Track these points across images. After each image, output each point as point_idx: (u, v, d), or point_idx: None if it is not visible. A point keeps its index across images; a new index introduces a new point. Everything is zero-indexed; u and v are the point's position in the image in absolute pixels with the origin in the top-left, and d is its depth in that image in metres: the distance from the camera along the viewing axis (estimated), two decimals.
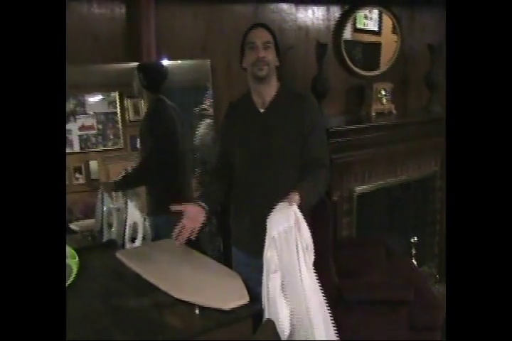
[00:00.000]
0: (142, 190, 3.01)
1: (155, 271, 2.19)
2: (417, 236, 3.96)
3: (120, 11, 2.70)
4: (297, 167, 2.30)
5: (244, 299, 1.95)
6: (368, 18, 3.76)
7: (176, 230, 2.15)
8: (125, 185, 2.89)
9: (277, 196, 2.06)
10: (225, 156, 2.45)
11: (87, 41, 2.64)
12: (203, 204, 2.23)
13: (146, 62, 2.78)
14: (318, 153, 2.32)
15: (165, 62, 2.86)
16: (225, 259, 3.07)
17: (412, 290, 2.82)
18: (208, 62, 2.98)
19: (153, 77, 2.87)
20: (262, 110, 2.33)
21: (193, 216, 2.18)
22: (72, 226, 2.89)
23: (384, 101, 3.79)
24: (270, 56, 2.25)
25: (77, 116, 2.81)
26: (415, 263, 3.83)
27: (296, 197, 2.01)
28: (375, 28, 3.84)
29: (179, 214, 2.16)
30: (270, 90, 2.32)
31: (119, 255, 2.39)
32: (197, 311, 1.90)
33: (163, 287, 2.05)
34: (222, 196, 2.41)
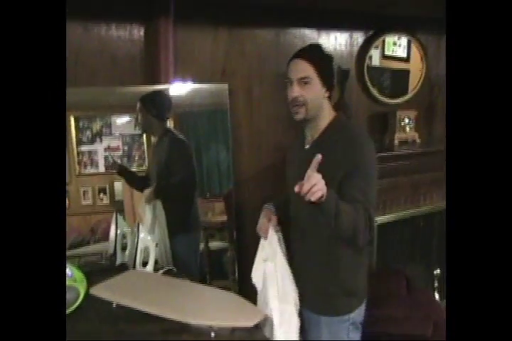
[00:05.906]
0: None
1: (152, 302, 2.01)
2: (440, 269, 3.84)
3: (139, 33, 2.70)
4: None
5: (261, 314, 1.88)
6: (397, 45, 3.72)
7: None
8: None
9: (313, 235, 2.06)
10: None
11: (105, 63, 2.64)
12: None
13: (149, 92, 2.77)
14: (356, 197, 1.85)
15: (182, 85, 2.84)
16: None
17: (430, 325, 2.72)
18: (226, 85, 2.94)
19: (162, 104, 2.83)
20: (307, 146, 2.05)
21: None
22: (86, 248, 2.87)
23: (407, 129, 3.72)
24: (309, 94, 1.90)
25: (103, 137, 2.82)
26: (438, 296, 3.71)
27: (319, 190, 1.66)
28: (404, 55, 3.80)
29: None
30: (320, 126, 2.00)
31: (95, 291, 2.11)
32: (213, 335, 1.82)
33: (172, 316, 1.90)
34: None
